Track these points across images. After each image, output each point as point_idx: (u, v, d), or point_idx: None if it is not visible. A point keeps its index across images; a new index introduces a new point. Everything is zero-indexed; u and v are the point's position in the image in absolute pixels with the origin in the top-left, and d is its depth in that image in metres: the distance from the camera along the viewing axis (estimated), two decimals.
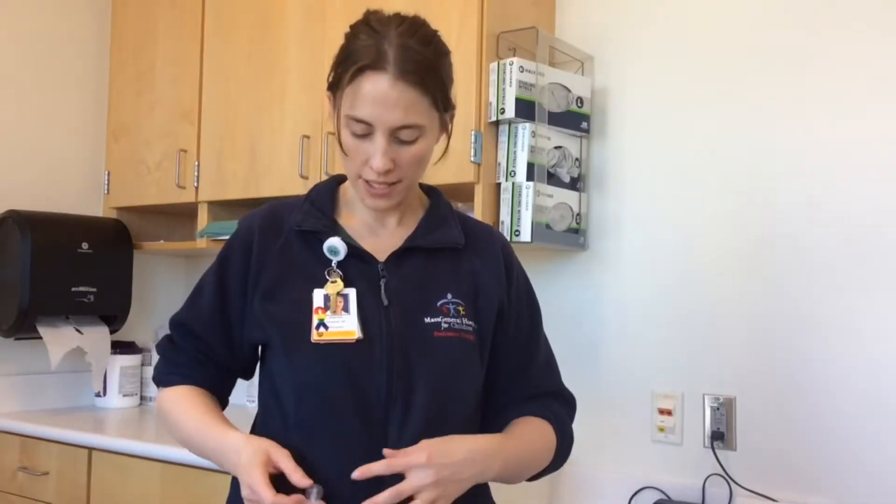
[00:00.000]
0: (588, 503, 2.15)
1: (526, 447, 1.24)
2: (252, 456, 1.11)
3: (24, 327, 2.58)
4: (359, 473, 1.10)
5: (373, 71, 1.11)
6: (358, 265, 1.22)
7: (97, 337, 2.74)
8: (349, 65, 1.13)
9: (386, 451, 1.11)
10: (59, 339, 2.64)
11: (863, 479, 1.83)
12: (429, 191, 1.34)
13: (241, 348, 1.27)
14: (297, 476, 1.09)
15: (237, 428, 1.21)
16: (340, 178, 1.32)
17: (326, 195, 1.29)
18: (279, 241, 1.24)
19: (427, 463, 1.09)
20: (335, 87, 1.17)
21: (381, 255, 1.23)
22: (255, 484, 1.08)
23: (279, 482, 1.09)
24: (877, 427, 1.82)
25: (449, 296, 1.22)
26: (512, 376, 1.30)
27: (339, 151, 1.20)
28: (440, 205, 1.31)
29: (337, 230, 1.24)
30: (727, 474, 1.95)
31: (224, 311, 1.26)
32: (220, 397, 1.31)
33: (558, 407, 1.33)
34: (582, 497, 2.17)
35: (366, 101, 1.11)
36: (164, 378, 1.30)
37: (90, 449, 2.34)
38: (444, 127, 1.22)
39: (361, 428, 1.15)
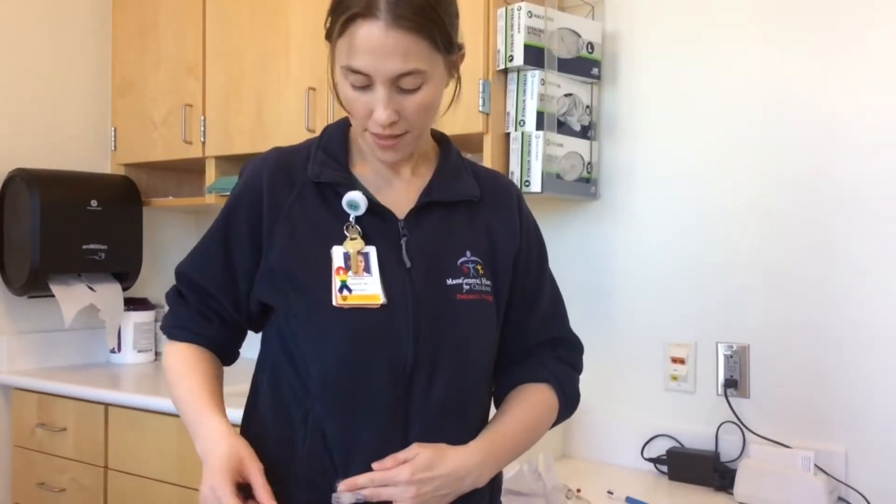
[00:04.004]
0: (601, 451, 2.16)
1: (520, 433, 1.21)
2: (225, 458, 1.06)
3: (36, 286, 2.60)
4: (344, 486, 1.09)
5: (364, 19, 1.04)
6: (377, 222, 1.17)
7: (110, 294, 2.75)
8: (340, 13, 1.06)
9: (374, 464, 1.10)
10: (71, 297, 2.66)
11: (876, 425, 1.82)
12: (439, 137, 1.28)
13: (247, 305, 1.22)
14: (264, 495, 1.05)
15: (223, 412, 1.16)
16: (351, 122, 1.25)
17: (339, 142, 1.22)
18: (293, 193, 1.18)
19: (408, 480, 1.08)
20: (330, 36, 1.10)
21: (399, 209, 1.18)
22: (220, 490, 1.04)
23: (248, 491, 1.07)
24: (891, 374, 1.81)
25: (468, 253, 1.19)
26: (518, 323, 1.26)
27: (341, 104, 1.14)
28: (452, 153, 1.25)
29: (353, 182, 1.18)
30: (740, 422, 1.95)
31: (230, 266, 1.20)
32: (229, 352, 1.28)
33: (562, 358, 1.29)
34: (595, 445, 2.18)
35: (360, 52, 1.05)
36: (171, 331, 1.26)
37: (106, 405, 2.37)
38: (451, 69, 1.15)
39: (386, 397, 1.12)
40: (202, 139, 2.61)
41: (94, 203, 2.68)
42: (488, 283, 1.19)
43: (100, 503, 2.39)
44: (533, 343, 1.28)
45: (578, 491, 1.79)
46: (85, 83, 2.91)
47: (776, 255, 1.95)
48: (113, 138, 2.89)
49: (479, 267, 1.19)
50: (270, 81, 2.45)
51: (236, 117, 2.54)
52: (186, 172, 2.96)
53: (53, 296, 2.63)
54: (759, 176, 1.98)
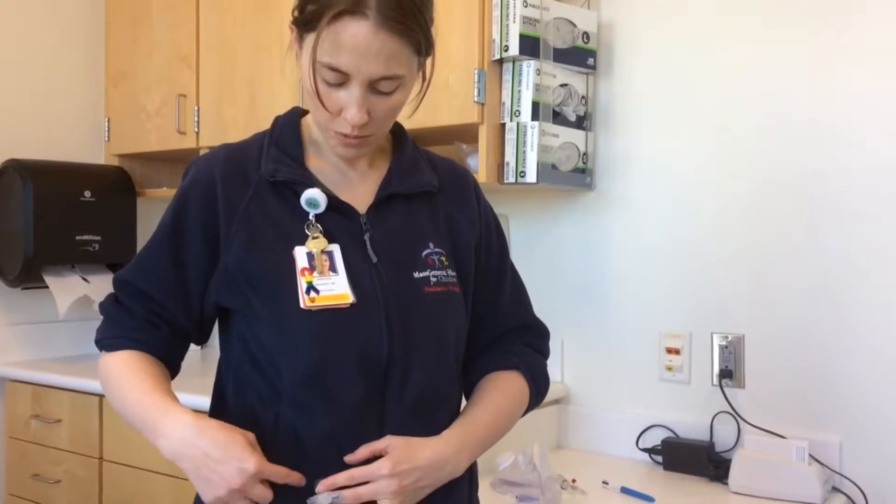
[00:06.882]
0: (596, 442, 2.17)
1: (494, 420, 1.20)
2: (231, 436, 1.01)
3: (30, 277, 2.59)
4: (323, 486, 1.06)
5: (352, 17, 1.01)
6: (338, 218, 1.13)
7: (104, 285, 2.74)
8: (325, 6, 1.02)
9: (347, 457, 1.07)
10: (65, 288, 2.65)
11: (870, 415, 1.83)
12: (394, 129, 1.24)
13: (200, 310, 1.15)
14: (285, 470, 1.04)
15: (183, 406, 1.07)
16: (302, 111, 1.22)
17: (291, 135, 1.18)
18: (248, 192, 1.13)
19: (391, 472, 1.05)
20: (306, 25, 1.07)
21: (359, 204, 1.15)
22: (260, 465, 1.00)
23: None
24: (885, 364, 1.82)
25: (432, 245, 1.17)
26: (483, 313, 1.24)
27: (308, 95, 1.09)
28: (408, 144, 1.23)
29: (310, 179, 1.14)
30: (735, 412, 1.95)
31: (181, 269, 1.13)
32: (173, 364, 1.19)
33: (529, 344, 1.28)
34: (590, 435, 2.18)
35: (343, 50, 1.02)
36: (110, 342, 1.15)
37: (101, 396, 2.36)
38: (421, 70, 1.13)
39: (360, 397, 1.09)
40: (196, 129, 2.60)
41: (87, 194, 2.67)
42: (453, 273, 1.17)
43: (95, 494, 2.39)
44: (500, 331, 1.27)
45: (574, 481, 1.80)
46: (78, 73, 2.89)
47: (771, 245, 1.95)
48: (106, 129, 2.87)
49: (443, 258, 1.17)
50: (264, 72, 2.44)
51: (230, 108, 2.53)
52: (180, 163, 2.95)
53: (47, 287, 2.62)
54: (754, 166, 1.98)
